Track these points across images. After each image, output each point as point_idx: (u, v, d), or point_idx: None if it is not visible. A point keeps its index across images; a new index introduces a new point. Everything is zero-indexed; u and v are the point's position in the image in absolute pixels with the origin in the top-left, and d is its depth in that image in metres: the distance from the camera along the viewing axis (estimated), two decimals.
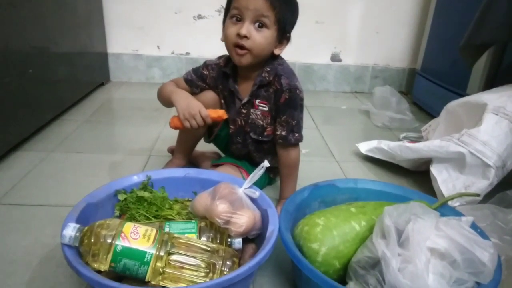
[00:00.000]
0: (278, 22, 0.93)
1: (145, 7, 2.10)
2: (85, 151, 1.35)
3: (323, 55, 2.27)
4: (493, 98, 1.12)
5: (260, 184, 1.12)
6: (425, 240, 0.62)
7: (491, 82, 1.53)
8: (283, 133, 1.00)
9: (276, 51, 0.99)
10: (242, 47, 0.93)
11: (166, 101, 1.03)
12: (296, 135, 1.00)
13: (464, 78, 1.63)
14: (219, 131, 1.13)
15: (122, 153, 1.35)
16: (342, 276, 0.71)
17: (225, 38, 0.97)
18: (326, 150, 1.49)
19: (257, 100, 1.02)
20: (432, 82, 1.92)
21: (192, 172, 0.95)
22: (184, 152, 1.17)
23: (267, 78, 0.99)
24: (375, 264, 0.62)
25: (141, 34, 2.15)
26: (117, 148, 1.41)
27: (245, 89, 1.04)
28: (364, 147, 1.41)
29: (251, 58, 0.95)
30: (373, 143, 1.39)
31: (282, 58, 1.04)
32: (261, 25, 0.92)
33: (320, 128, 1.71)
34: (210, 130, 1.15)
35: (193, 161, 1.25)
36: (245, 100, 1.03)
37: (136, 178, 0.89)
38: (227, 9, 0.97)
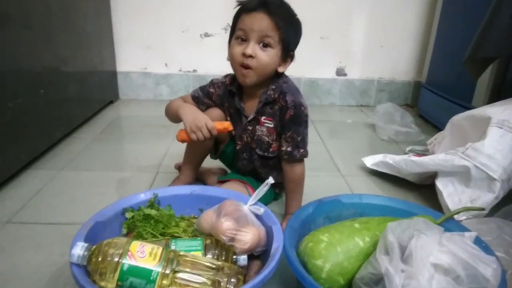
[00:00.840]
0: (282, 41, 0.96)
1: (153, 26, 2.15)
2: (94, 169, 1.37)
3: (328, 70, 2.30)
4: (497, 111, 1.12)
5: (265, 199, 1.13)
6: (428, 256, 0.62)
7: (496, 94, 1.53)
8: (289, 149, 1.01)
9: (280, 69, 1.01)
10: (247, 66, 0.96)
11: (173, 116, 1.06)
12: (301, 150, 1.02)
13: (469, 91, 1.63)
14: (224, 147, 1.14)
15: (130, 170, 1.37)
16: None
17: (230, 58, 1.00)
18: (332, 164, 1.49)
19: (263, 117, 1.04)
20: (437, 95, 1.92)
21: (198, 189, 0.96)
22: (191, 169, 1.18)
23: (272, 96, 1.01)
24: (379, 280, 0.63)
25: (149, 52, 2.20)
26: (125, 165, 1.43)
27: (250, 107, 1.06)
28: (370, 161, 1.41)
29: (256, 77, 0.98)
30: (379, 157, 1.39)
31: (286, 76, 1.06)
32: (266, 45, 0.95)
33: (325, 143, 1.72)
34: (216, 147, 1.16)
35: (199, 177, 1.26)
36: (250, 117, 1.05)
37: (143, 196, 0.91)
38: (233, 30, 1.00)
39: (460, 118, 1.27)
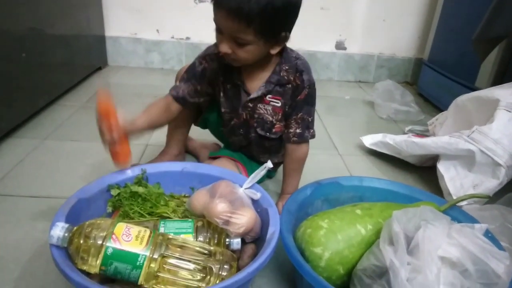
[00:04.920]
0: (260, 34, 0.79)
1: None
2: (80, 139, 1.30)
3: (327, 43, 2.21)
4: (506, 94, 1.07)
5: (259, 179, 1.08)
6: (436, 249, 0.58)
7: (501, 75, 1.48)
8: (298, 131, 0.94)
9: (273, 51, 0.86)
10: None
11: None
12: (311, 131, 0.97)
13: (473, 71, 1.58)
14: (206, 114, 1.07)
15: None
16: (346, 281, 0.67)
17: None
18: (329, 142, 1.45)
19: (268, 96, 0.93)
20: (440, 73, 1.86)
21: (189, 166, 0.91)
22: (177, 141, 1.12)
23: (285, 78, 0.91)
24: (383, 273, 0.59)
25: (140, 17, 2.08)
26: None
27: (252, 82, 0.94)
28: (368, 140, 1.36)
29: (244, 63, 0.87)
30: (378, 137, 1.34)
31: (294, 51, 0.94)
32: (241, 43, 0.81)
33: (322, 119, 1.66)
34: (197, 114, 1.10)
35: (192, 152, 1.21)
36: (254, 95, 0.93)
37: (130, 172, 0.85)
38: None
39: (465, 99, 1.22)
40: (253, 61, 0.87)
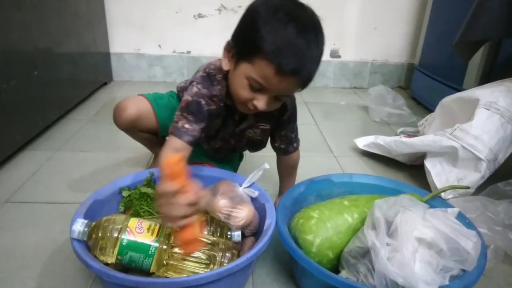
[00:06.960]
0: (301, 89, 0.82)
1: (146, 6, 2.13)
2: (90, 150, 1.39)
3: None
4: (485, 93, 1.15)
5: (235, 165, 1.16)
6: (412, 230, 0.65)
7: (487, 77, 1.56)
8: (283, 146, 1.00)
9: None
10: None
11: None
12: (295, 144, 1.01)
13: (461, 73, 1.66)
14: None
15: (125, 151, 1.39)
16: (336, 265, 0.75)
17: (235, 92, 0.81)
18: (325, 145, 1.52)
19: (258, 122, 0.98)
20: (430, 77, 1.94)
21: (193, 169, 0.98)
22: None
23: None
24: (365, 253, 0.66)
25: (142, 33, 2.19)
26: (120, 146, 1.44)
27: (243, 114, 0.94)
28: (362, 142, 1.44)
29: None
30: (370, 138, 1.42)
31: None
32: (281, 99, 0.82)
33: (319, 124, 1.74)
34: None
35: None
36: (243, 126, 0.96)
37: (139, 176, 0.93)
38: (245, 49, 0.76)
39: (449, 100, 1.30)
40: None
